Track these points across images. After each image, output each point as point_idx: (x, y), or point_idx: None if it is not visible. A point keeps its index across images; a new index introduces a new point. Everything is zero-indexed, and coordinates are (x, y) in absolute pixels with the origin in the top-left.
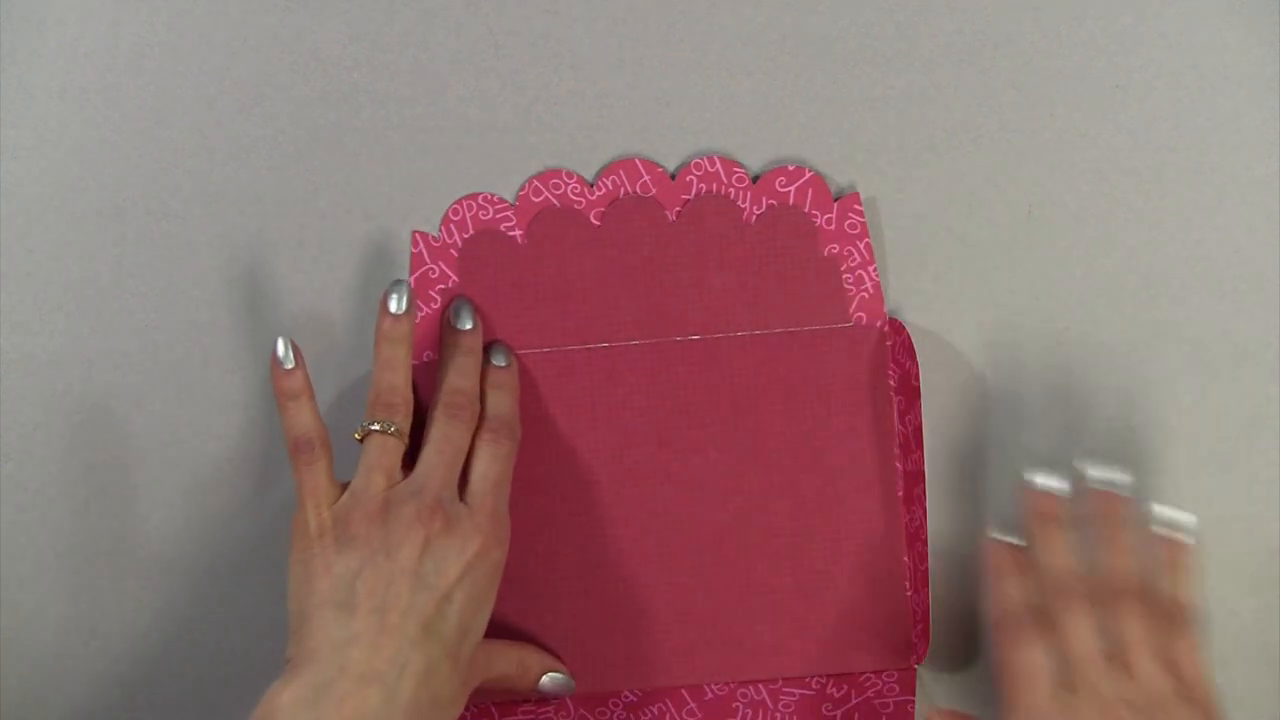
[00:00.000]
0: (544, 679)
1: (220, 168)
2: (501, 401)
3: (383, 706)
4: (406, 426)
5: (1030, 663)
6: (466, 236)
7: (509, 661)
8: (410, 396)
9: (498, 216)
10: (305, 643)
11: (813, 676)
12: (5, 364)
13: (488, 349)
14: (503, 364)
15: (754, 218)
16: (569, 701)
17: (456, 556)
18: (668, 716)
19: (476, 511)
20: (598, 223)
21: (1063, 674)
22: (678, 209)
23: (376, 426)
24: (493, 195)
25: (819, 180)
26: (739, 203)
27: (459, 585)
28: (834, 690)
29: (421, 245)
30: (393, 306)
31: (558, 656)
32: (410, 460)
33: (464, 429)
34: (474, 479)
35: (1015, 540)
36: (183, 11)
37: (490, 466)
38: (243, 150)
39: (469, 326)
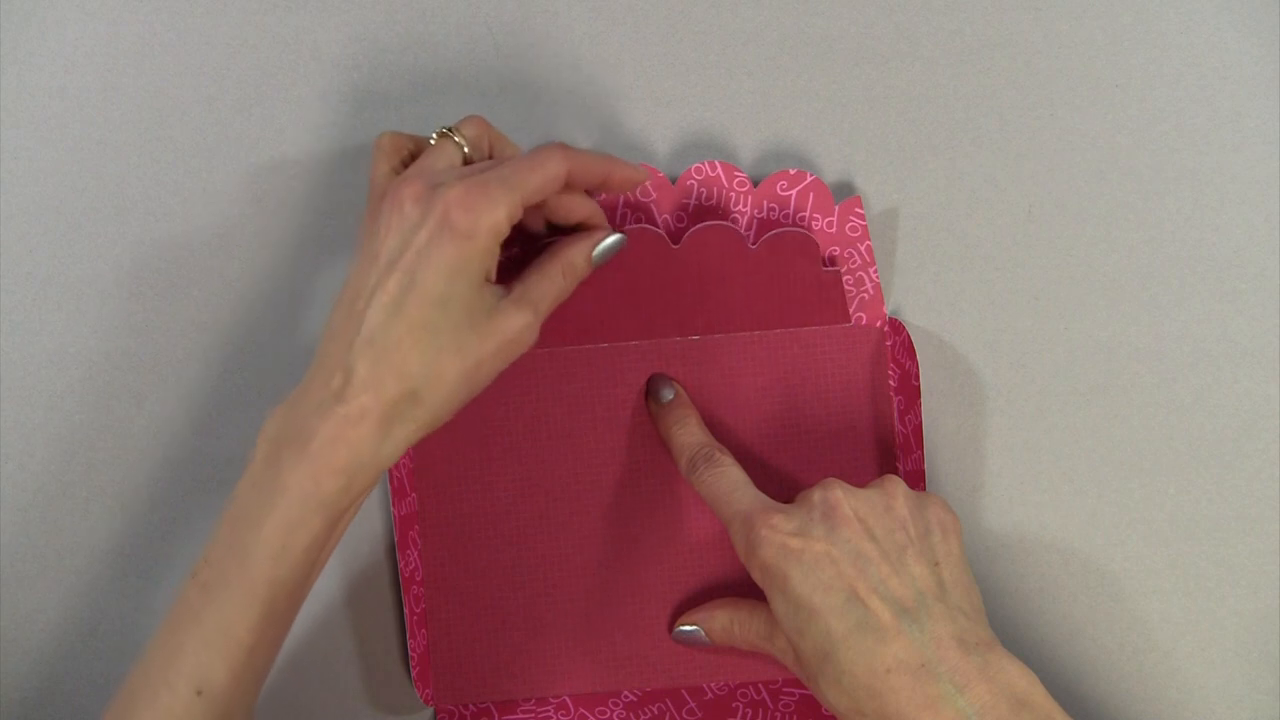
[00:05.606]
0: (594, 253)
1: (220, 168)
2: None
3: None
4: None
5: (731, 476)
6: None
7: (550, 280)
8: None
9: None
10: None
11: None
12: (5, 364)
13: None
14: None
15: (755, 227)
16: (569, 701)
17: None
18: (668, 716)
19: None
20: None
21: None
22: (679, 215)
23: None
24: None
25: (820, 184)
26: (740, 207)
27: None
28: None
29: None
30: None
31: (563, 656)
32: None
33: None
34: None
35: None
36: (183, 11)
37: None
38: (243, 150)
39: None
